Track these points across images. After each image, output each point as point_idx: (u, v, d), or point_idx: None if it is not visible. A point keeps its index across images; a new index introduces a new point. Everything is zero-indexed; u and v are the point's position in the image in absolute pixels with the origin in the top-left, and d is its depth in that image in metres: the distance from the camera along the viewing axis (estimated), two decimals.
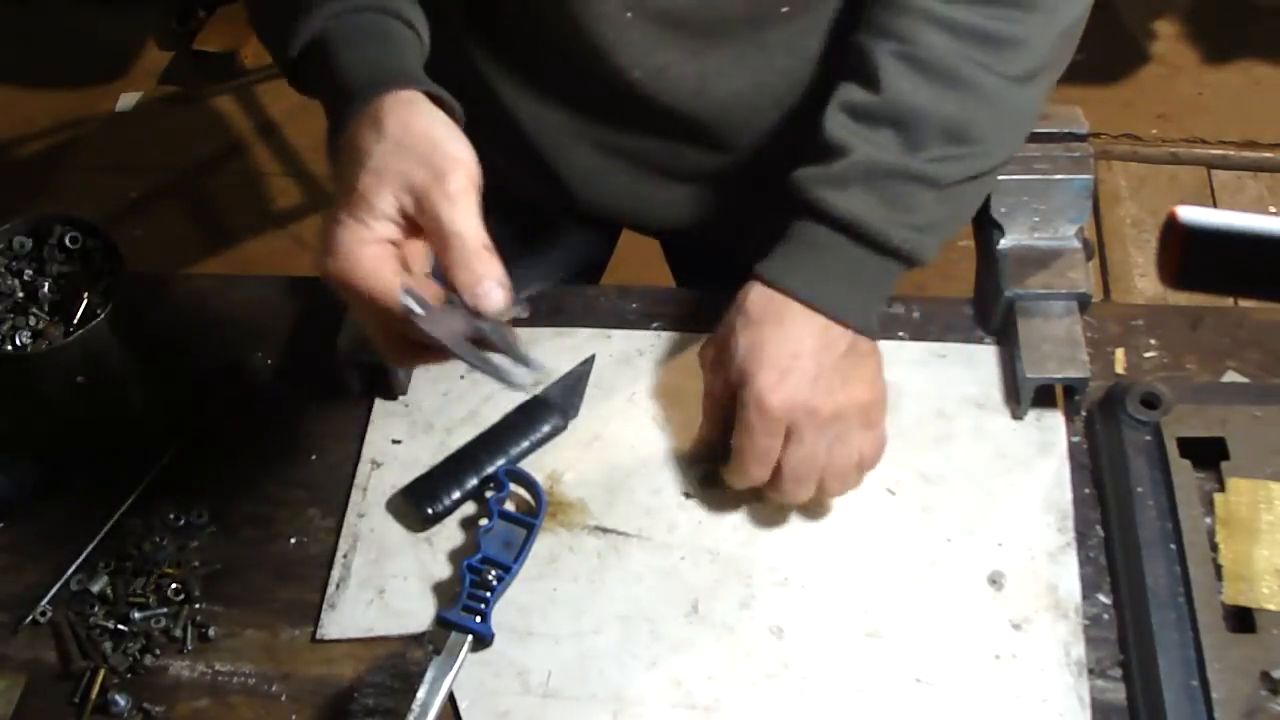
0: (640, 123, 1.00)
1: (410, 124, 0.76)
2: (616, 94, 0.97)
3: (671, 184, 1.07)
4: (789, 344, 0.85)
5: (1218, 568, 0.84)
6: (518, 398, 0.99)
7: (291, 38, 0.84)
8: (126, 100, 2.86)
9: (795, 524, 0.92)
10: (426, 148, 0.75)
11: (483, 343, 0.73)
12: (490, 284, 0.72)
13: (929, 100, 0.85)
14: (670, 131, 1.01)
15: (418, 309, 0.72)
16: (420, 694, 0.83)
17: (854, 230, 0.85)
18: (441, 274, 0.74)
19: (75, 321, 0.90)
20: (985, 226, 0.99)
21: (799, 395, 0.85)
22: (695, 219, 1.11)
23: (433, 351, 0.75)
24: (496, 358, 0.73)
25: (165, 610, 0.91)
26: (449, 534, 0.94)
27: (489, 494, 0.93)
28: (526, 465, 0.96)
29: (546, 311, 1.05)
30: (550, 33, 0.94)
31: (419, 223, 0.75)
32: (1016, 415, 0.95)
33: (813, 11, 0.94)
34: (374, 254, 0.75)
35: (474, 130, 1.03)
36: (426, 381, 1.02)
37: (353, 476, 0.97)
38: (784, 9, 0.92)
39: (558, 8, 0.90)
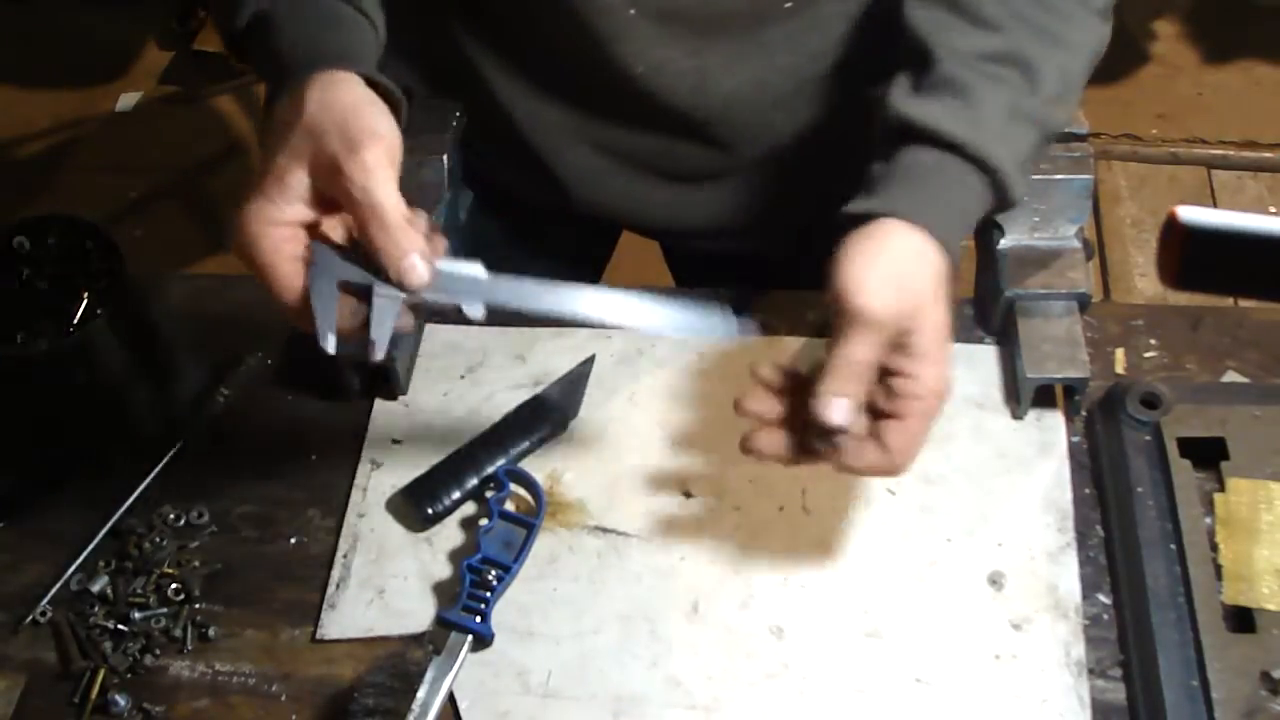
0: (639, 120, 1.00)
1: (329, 99, 0.74)
2: (616, 90, 0.97)
3: (670, 184, 1.07)
4: (947, 319, 0.79)
5: (1218, 568, 0.84)
6: (518, 397, 0.99)
7: (238, 11, 0.82)
8: (126, 100, 2.86)
9: (795, 524, 0.92)
10: (342, 120, 0.73)
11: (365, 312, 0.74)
12: (414, 259, 0.72)
13: (1045, 37, 0.83)
14: (669, 129, 1.01)
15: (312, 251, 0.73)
16: (420, 694, 0.83)
17: (996, 176, 0.81)
18: (362, 249, 0.73)
19: (75, 321, 0.90)
20: (985, 226, 0.99)
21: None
22: (693, 220, 1.11)
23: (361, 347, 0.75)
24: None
25: (165, 610, 0.91)
26: (449, 534, 0.94)
27: (489, 494, 0.93)
28: (526, 465, 0.96)
29: None
30: (549, 28, 0.94)
31: (335, 197, 0.73)
32: (1016, 415, 0.95)
33: (814, 7, 0.94)
34: (277, 235, 0.74)
35: (471, 129, 1.03)
36: (426, 381, 1.02)
37: (353, 476, 0.97)
38: (787, 4, 0.92)
39: (559, 3, 0.90)
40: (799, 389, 0.80)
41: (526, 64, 1.00)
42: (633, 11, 0.90)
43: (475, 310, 0.76)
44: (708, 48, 0.94)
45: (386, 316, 0.74)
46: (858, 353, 0.75)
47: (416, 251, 0.72)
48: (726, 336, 0.78)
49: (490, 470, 0.94)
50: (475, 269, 0.76)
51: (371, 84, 0.77)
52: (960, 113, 0.81)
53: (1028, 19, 0.83)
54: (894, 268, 0.77)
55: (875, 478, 0.80)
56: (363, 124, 0.73)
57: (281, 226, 0.74)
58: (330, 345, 0.73)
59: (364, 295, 0.74)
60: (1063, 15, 0.84)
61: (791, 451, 0.79)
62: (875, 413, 0.78)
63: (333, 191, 0.73)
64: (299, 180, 0.73)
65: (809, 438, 0.78)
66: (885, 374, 0.78)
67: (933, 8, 0.85)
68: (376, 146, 0.72)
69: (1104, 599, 0.87)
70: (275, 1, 0.81)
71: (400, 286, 0.73)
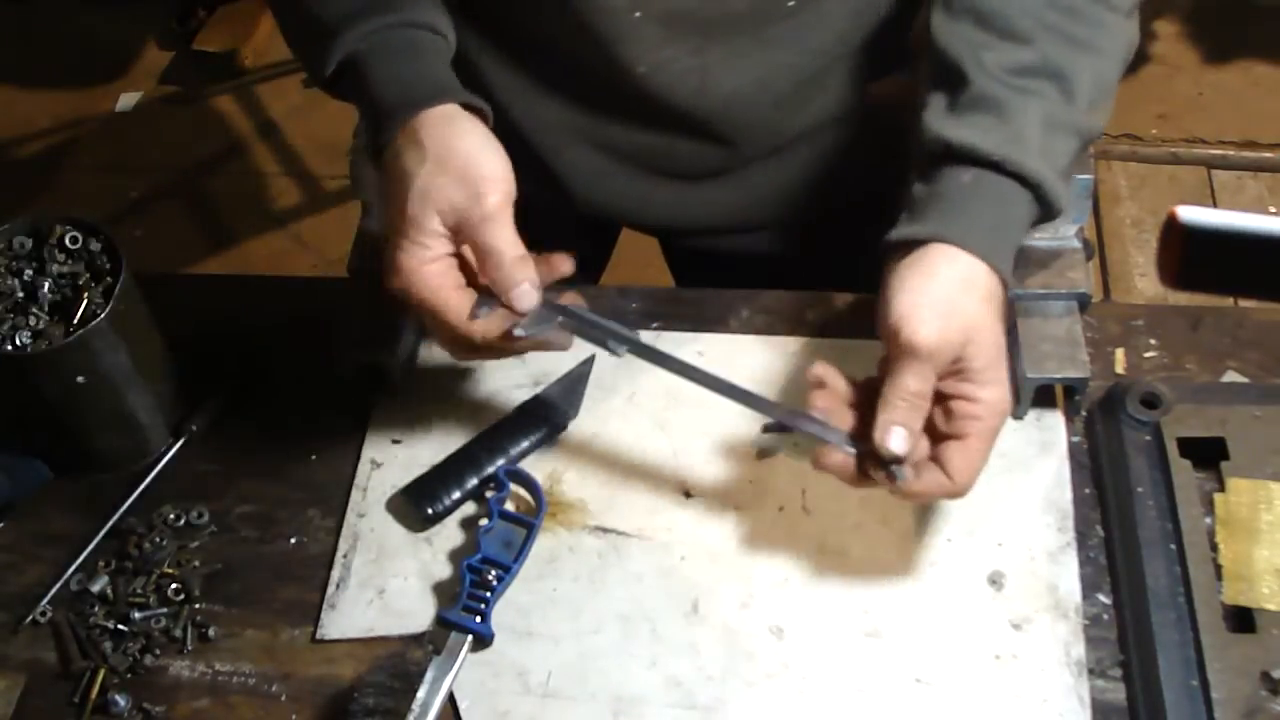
0: (640, 119, 1.00)
1: (449, 143, 0.82)
2: (617, 89, 0.97)
3: (670, 182, 1.07)
4: (1002, 339, 0.80)
5: (1218, 568, 0.84)
6: (518, 397, 0.99)
7: (324, 60, 0.86)
8: (126, 100, 2.86)
9: (795, 524, 0.92)
10: (463, 167, 0.80)
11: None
12: (525, 288, 0.81)
13: (1076, 46, 0.83)
14: (670, 127, 1.01)
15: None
16: (420, 694, 0.83)
17: (1039, 190, 0.81)
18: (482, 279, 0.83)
19: (75, 321, 0.90)
20: None
21: None
22: (694, 217, 1.11)
23: (487, 350, 0.85)
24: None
25: (165, 610, 0.91)
26: (449, 534, 0.94)
27: (489, 494, 0.93)
28: (526, 465, 0.96)
29: None
30: (551, 28, 0.94)
31: (461, 237, 0.81)
32: (1016, 415, 0.95)
33: (817, 4, 0.94)
34: (434, 271, 0.82)
35: None
36: (427, 381, 1.02)
37: (353, 476, 0.97)
38: (790, 3, 0.92)
39: (562, 5, 0.90)
40: (864, 399, 0.81)
41: (527, 63, 1.01)
42: (637, 14, 0.90)
43: (619, 350, 0.86)
44: (710, 47, 0.94)
45: (543, 326, 0.84)
46: (912, 384, 0.77)
47: (528, 282, 0.81)
48: (847, 451, 0.81)
49: (490, 470, 0.94)
50: (621, 329, 0.86)
51: (466, 107, 0.85)
52: (997, 129, 0.81)
53: (1058, 29, 0.83)
54: (944, 296, 0.78)
55: (932, 500, 0.82)
56: (480, 172, 0.81)
57: (432, 264, 0.82)
58: (480, 313, 0.83)
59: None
60: (1091, 21, 0.84)
61: (856, 474, 0.81)
62: (935, 435, 0.80)
63: (459, 232, 0.82)
64: (433, 221, 0.81)
65: (868, 465, 0.80)
66: (943, 398, 0.79)
67: (962, 25, 0.85)
68: (495, 192, 0.81)
69: (1104, 599, 0.87)
70: (357, 43, 0.86)
71: (512, 310, 0.82)
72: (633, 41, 0.92)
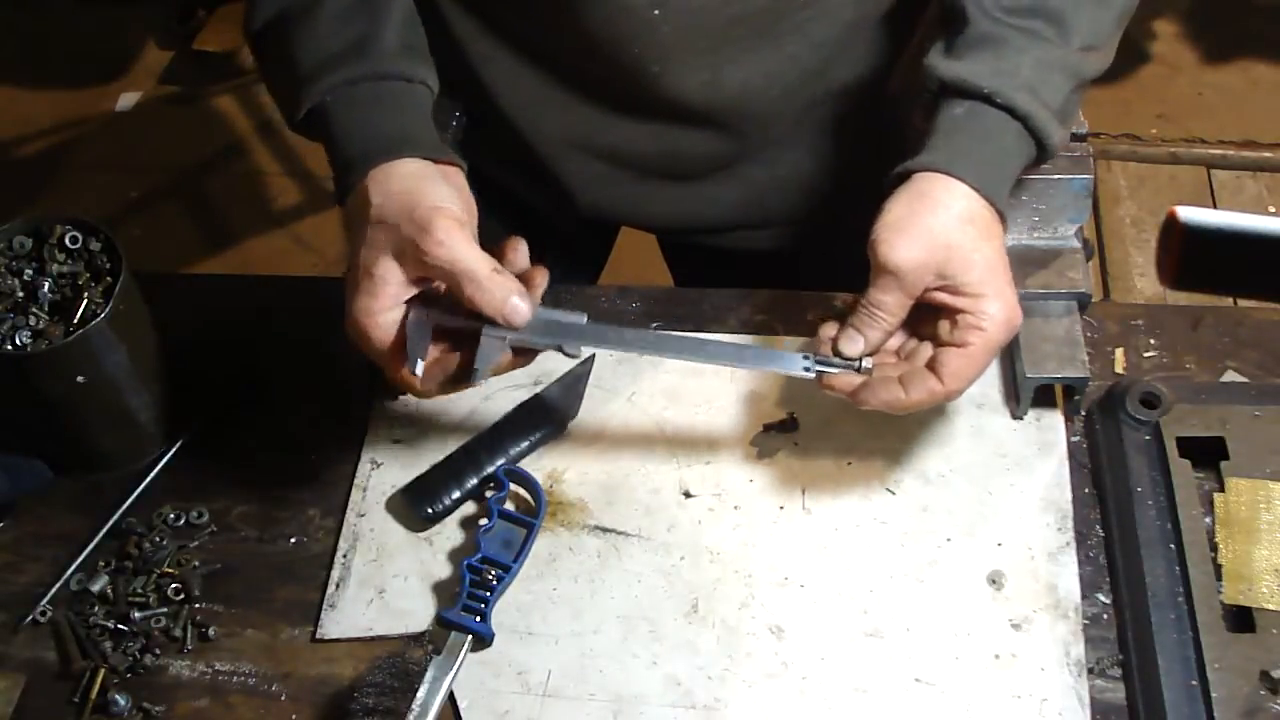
0: (648, 117, 1.00)
1: (390, 190, 0.80)
2: (628, 90, 0.97)
3: (674, 183, 1.07)
4: (1004, 258, 0.83)
5: (1217, 567, 0.84)
6: (518, 397, 0.99)
7: (294, 106, 0.87)
8: (126, 100, 2.86)
9: (795, 524, 0.92)
10: (407, 207, 0.79)
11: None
12: (514, 301, 0.80)
13: None
14: (678, 122, 1.01)
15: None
16: (420, 694, 0.83)
17: (1028, 122, 0.84)
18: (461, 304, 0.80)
19: (75, 321, 0.90)
20: None
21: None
22: (696, 216, 1.11)
23: (458, 384, 0.83)
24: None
25: (165, 610, 0.91)
26: (449, 534, 0.94)
27: (489, 494, 0.93)
28: (526, 465, 0.96)
29: None
30: (565, 33, 0.94)
31: (426, 274, 0.80)
32: (1016, 415, 0.96)
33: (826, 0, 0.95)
34: (383, 322, 0.81)
35: (475, 139, 1.03)
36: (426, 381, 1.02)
37: (353, 476, 0.97)
38: None
39: (581, 6, 0.90)
40: None
41: (535, 71, 1.00)
42: (656, 11, 0.90)
43: (576, 350, 0.83)
44: (725, 44, 0.95)
45: (492, 353, 0.81)
46: (875, 296, 0.82)
47: (514, 294, 0.80)
48: (801, 374, 0.85)
49: (490, 470, 0.94)
50: (577, 317, 0.83)
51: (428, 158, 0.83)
52: (989, 64, 0.84)
53: None
54: (921, 219, 0.82)
55: (926, 407, 0.83)
56: (425, 202, 0.79)
57: (382, 314, 0.80)
58: (418, 370, 0.81)
59: (462, 341, 0.82)
60: None
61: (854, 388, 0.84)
62: (939, 345, 0.83)
63: (421, 271, 0.80)
64: (388, 268, 0.80)
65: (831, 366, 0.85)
66: (951, 311, 0.82)
67: None
68: (444, 219, 0.78)
69: (1104, 599, 0.87)
70: (328, 91, 0.85)
71: (508, 327, 0.80)
72: (649, 41, 0.92)
